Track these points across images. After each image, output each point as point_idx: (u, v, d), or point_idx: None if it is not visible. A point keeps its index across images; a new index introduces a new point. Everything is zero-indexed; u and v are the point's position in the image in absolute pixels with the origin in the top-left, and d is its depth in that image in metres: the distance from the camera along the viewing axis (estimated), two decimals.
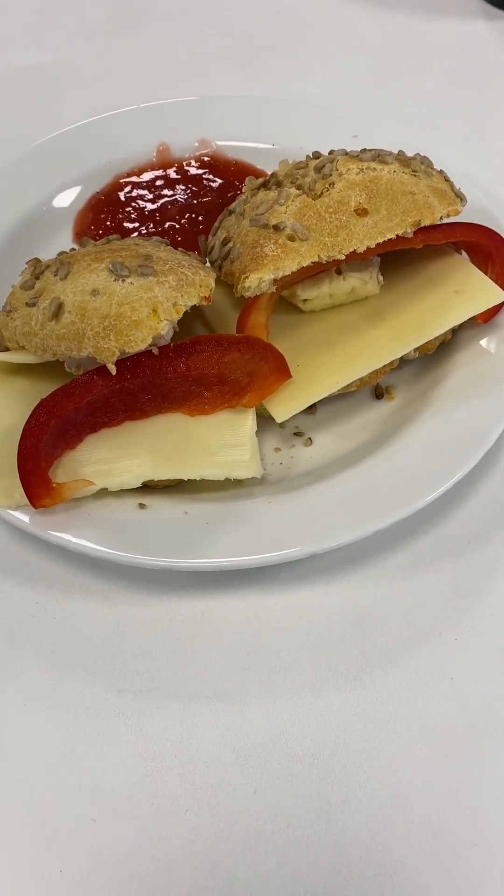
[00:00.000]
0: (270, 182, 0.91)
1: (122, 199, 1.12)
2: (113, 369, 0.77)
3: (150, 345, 0.77)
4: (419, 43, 1.42)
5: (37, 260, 0.85)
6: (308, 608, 0.83)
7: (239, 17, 1.46)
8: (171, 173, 1.15)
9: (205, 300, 0.80)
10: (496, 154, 1.22)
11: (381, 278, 0.92)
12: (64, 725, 0.77)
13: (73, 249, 0.89)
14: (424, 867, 0.70)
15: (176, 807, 0.73)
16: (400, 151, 0.90)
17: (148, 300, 0.76)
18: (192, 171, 1.15)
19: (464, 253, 0.95)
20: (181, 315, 0.77)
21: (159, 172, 1.14)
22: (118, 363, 0.78)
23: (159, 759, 0.75)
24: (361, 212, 0.83)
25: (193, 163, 1.16)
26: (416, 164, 0.88)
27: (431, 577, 0.85)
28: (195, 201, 1.13)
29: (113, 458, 0.81)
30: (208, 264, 0.89)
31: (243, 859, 0.70)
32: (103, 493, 0.82)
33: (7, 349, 0.85)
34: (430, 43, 1.42)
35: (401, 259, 0.93)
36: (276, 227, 0.83)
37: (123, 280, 0.77)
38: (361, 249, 0.83)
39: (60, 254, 0.86)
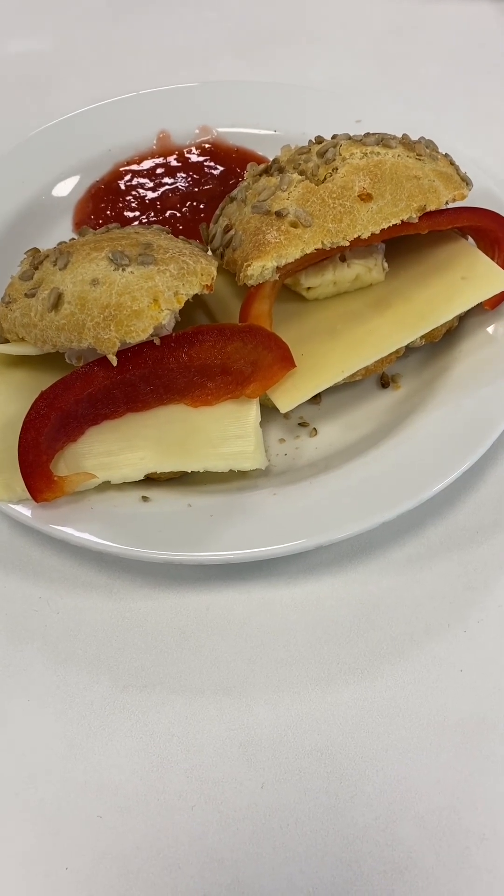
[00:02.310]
0: (272, 168, 0.89)
1: (123, 187, 1.11)
2: (114, 360, 0.75)
3: (151, 335, 0.76)
4: (423, 27, 1.40)
5: (35, 250, 0.84)
6: (315, 601, 0.82)
7: (239, 3, 1.44)
8: (172, 161, 1.13)
9: (206, 289, 0.78)
10: (502, 138, 1.20)
11: (385, 265, 0.90)
12: (69, 721, 0.76)
13: (72, 239, 0.87)
14: (434, 862, 0.69)
15: (182, 802, 0.72)
16: (404, 135, 0.88)
17: (149, 289, 0.74)
18: (193, 158, 1.13)
19: (470, 238, 0.94)
20: (183, 304, 0.76)
21: (160, 160, 1.13)
22: (119, 354, 0.77)
23: (165, 755, 0.74)
24: (365, 197, 0.82)
25: (194, 150, 1.14)
26: (421, 148, 0.87)
27: (440, 569, 0.83)
28: (196, 189, 1.11)
29: (115, 450, 0.80)
30: (210, 252, 0.88)
31: (250, 855, 0.69)
32: (106, 486, 0.81)
33: (6, 341, 0.84)
34: (434, 27, 1.39)
35: (406, 245, 0.92)
36: (279, 214, 0.82)
37: (123, 269, 0.76)
38: (366, 235, 0.82)
39: (60, 244, 0.85)
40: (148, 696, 0.77)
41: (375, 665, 0.78)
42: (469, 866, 0.69)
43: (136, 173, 1.12)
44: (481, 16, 1.39)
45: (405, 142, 0.87)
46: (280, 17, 1.42)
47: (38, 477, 0.76)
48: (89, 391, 0.78)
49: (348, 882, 0.68)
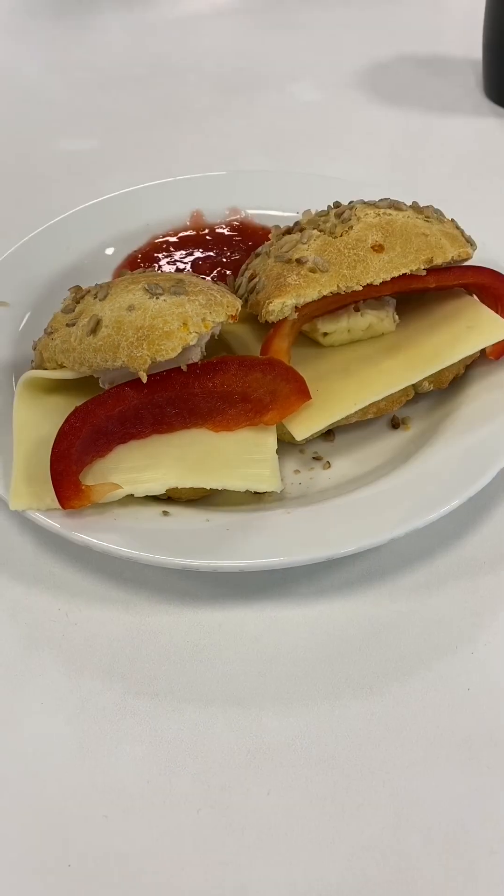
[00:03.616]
0: (294, 228, 0.99)
1: (157, 256, 1.21)
2: (144, 377, 0.82)
3: (179, 359, 0.83)
4: (434, 136, 1.55)
5: (78, 287, 0.93)
6: (325, 621, 0.84)
7: (269, 114, 1.61)
8: (204, 235, 1.24)
9: (231, 318, 0.86)
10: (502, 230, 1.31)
11: (396, 317, 0.98)
12: (80, 725, 0.77)
13: None
14: (440, 874, 0.68)
15: (188, 806, 0.72)
16: (413, 202, 0.98)
17: (179, 314, 0.82)
18: (223, 233, 1.24)
19: (474, 296, 1.02)
20: (209, 330, 0.83)
21: (192, 233, 1.24)
22: (149, 378, 0.84)
23: (173, 760, 0.75)
24: (378, 248, 0.90)
25: (224, 227, 1.26)
26: (430, 212, 0.96)
27: (447, 596, 0.86)
28: (224, 259, 1.21)
29: (140, 466, 0.85)
30: None
31: (255, 860, 0.69)
32: (129, 500, 0.85)
33: (45, 369, 0.91)
34: (443, 137, 1.54)
35: (415, 301, 1.00)
36: (299, 261, 0.90)
37: (157, 297, 0.84)
38: (377, 282, 0.90)
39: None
40: (159, 704, 0.78)
41: (383, 682, 0.79)
42: (476, 879, 0.68)
43: (170, 244, 1.23)
44: (487, 129, 1.55)
45: (415, 207, 0.97)
46: (305, 127, 1.58)
47: (67, 485, 0.81)
48: (120, 409, 0.84)
49: (353, 891, 0.67)
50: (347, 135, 1.55)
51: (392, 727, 0.76)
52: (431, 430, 0.95)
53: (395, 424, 0.97)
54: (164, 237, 1.24)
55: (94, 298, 0.87)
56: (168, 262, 1.20)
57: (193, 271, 1.19)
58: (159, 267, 1.19)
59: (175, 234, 1.25)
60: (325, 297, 0.90)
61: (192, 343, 0.82)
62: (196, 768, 0.74)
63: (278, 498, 0.89)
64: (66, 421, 0.83)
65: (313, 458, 0.95)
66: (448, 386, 0.98)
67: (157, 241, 1.24)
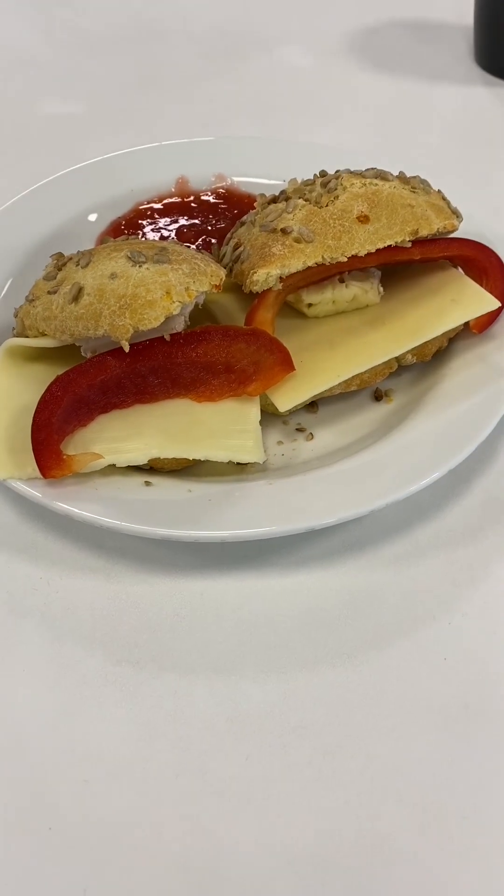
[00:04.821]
0: (280, 197, 0.98)
1: (142, 223, 1.20)
2: (126, 346, 0.81)
3: (162, 328, 0.82)
4: (423, 105, 1.53)
5: (60, 254, 0.92)
6: (305, 591, 0.85)
7: (257, 78, 1.58)
8: (189, 202, 1.23)
9: (215, 288, 0.85)
10: (492, 198, 1.30)
11: (381, 289, 0.98)
12: (61, 691, 0.78)
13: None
14: (415, 838, 0.70)
15: (167, 770, 0.73)
16: (400, 172, 0.97)
17: (162, 283, 0.81)
18: (209, 200, 1.23)
19: (459, 269, 1.01)
20: (192, 299, 0.82)
21: (177, 200, 1.22)
22: (131, 347, 0.83)
23: (153, 726, 0.75)
24: (363, 219, 0.90)
25: (210, 194, 1.24)
26: (416, 183, 0.95)
27: (426, 567, 0.87)
28: (209, 227, 1.20)
29: (122, 436, 0.85)
30: None
31: (232, 824, 0.70)
32: (110, 470, 0.85)
33: (27, 337, 0.90)
34: (432, 105, 1.52)
35: (400, 273, 0.99)
36: (284, 231, 0.90)
37: (140, 266, 0.83)
38: (362, 253, 0.89)
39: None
40: (140, 671, 0.79)
41: (362, 651, 0.80)
42: (451, 843, 0.69)
43: (155, 211, 1.21)
44: (476, 96, 1.53)
45: (401, 177, 0.96)
46: (293, 93, 1.55)
47: (48, 454, 0.81)
48: (102, 378, 0.83)
49: (329, 855, 0.69)
50: (336, 101, 1.53)
51: (369, 695, 0.77)
52: (414, 402, 0.95)
53: (378, 397, 0.97)
54: (148, 204, 1.22)
55: (77, 266, 0.86)
56: (152, 230, 1.19)
57: (178, 239, 1.18)
58: (143, 234, 1.18)
59: (160, 201, 1.23)
60: (309, 267, 0.89)
61: (175, 312, 0.81)
62: (175, 735, 0.75)
63: (261, 469, 0.89)
64: (48, 390, 0.82)
65: (296, 429, 0.95)
66: (431, 358, 0.98)
67: (141, 207, 1.22)
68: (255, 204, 1.01)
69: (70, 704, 0.77)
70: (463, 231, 1.01)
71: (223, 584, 0.85)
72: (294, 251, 0.88)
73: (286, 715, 0.76)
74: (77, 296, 0.83)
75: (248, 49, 1.66)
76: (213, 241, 1.18)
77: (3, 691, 0.78)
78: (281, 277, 0.89)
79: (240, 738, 0.75)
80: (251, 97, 1.54)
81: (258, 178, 1.25)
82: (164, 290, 0.81)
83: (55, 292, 0.86)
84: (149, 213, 1.21)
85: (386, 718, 0.76)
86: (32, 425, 0.81)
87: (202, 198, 1.23)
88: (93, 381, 0.83)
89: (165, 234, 1.18)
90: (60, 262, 0.89)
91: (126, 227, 1.19)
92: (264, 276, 0.88)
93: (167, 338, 0.85)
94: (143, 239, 0.93)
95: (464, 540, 0.89)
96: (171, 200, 1.23)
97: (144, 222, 1.20)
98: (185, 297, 0.82)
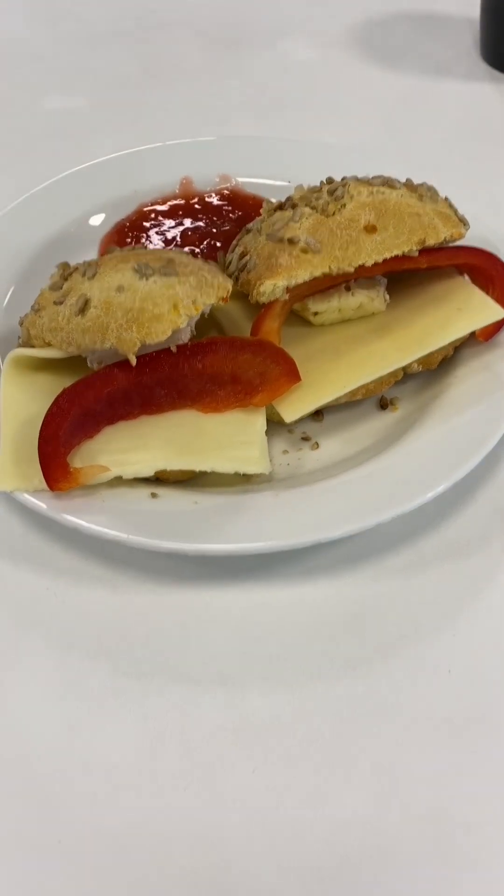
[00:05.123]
0: (286, 204, 0.97)
1: (146, 225, 1.19)
2: (133, 360, 0.81)
3: (168, 341, 0.82)
4: (428, 101, 1.52)
5: (65, 264, 0.91)
6: (310, 602, 0.85)
7: (261, 73, 1.57)
8: (193, 204, 1.22)
9: (222, 300, 0.85)
10: (497, 194, 1.29)
11: (387, 297, 0.98)
12: (68, 704, 0.78)
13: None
14: (419, 848, 0.71)
15: (175, 783, 0.74)
16: (408, 179, 0.97)
17: (169, 297, 0.81)
18: (213, 202, 1.22)
19: (466, 277, 1.01)
20: (199, 312, 0.82)
21: (181, 202, 1.22)
22: (138, 359, 0.83)
23: (160, 738, 0.76)
24: (370, 229, 0.89)
25: (214, 196, 1.23)
26: (423, 190, 0.95)
27: (431, 578, 0.87)
28: (214, 230, 1.19)
29: (128, 448, 0.85)
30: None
31: (239, 836, 0.71)
32: (117, 482, 0.85)
33: (32, 347, 0.90)
34: (438, 100, 1.51)
35: (407, 281, 0.99)
36: (291, 241, 0.89)
37: (147, 278, 0.82)
38: (369, 263, 0.89)
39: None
40: (146, 683, 0.80)
41: (366, 662, 0.81)
42: (454, 853, 0.70)
43: (159, 213, 1.21)
44: (482, 93, 1.52)
45: (408, 185, 0.96)
46: (298, 88, 1.54)
47: (55, 467, 0.81)
48: (108, 390, 0.83)
49: (335, 866, 0.70)
50: (341, 96, 1.52)
51: (374, 706, 0.78)
52: (419, 411, 0.95)
53: (384, 405, 0.97)
54: (152, 206, 1.22)
55: (83, 276, 0.86)
56: (157, 233, 1.18)
57: (183, 243, 1.17)
58: (147, 237, 1.17)
59: (164, 202, 1.22)
60: (316, 277, 0.89)
61: (182, 326, 0.81)
62: (183, 747, 0.76)
63: (266, 479, 0.89)
64: (55, 402, 0.82)
65: (302, 438, 0.95)
66: (437, 367, 0.98)
67: (145, 209, 1.21)
68: (260, 210, 1.01)
69: (77, 718, 0.77)
70: (469, 232, 1.00)
71: (229, 595, 0.86)
72: (301, 262, 0.88)
73: (292, 726, 0.77)
74: (83, 308, 0.83)
75: (251, 43, 1.65)
76: (219, 244, 1.17)
77: (9, 704, 0.78)
78: (287, 288, 0.89)
79: (247, 749, 0.75)
80: (254, 91, 1.53)
81: (263, 179, 1.24)
82: (171, 303, 0.81)
83: (61, 303, 0.86)
84: (153, 215, 1.20)
85: (390, 730, 0.77)
86: (39, 438, 0.81)
87: (207, 199, 1.23)
88: (100, 394, 0.83)
89: (170, 237, 1.18)
90: (66, 271, 0.89)
91: (130, 229, 1.19)
92: (271, 286, 0.88)
93: (174, 349, 0.84)
94: (149, 247, 0.92)
95: (468, 551, 0.89)
96: (175, 202, 1.22)
97: (148, 224, 1.19)
98: (193, 311, 0.81)
